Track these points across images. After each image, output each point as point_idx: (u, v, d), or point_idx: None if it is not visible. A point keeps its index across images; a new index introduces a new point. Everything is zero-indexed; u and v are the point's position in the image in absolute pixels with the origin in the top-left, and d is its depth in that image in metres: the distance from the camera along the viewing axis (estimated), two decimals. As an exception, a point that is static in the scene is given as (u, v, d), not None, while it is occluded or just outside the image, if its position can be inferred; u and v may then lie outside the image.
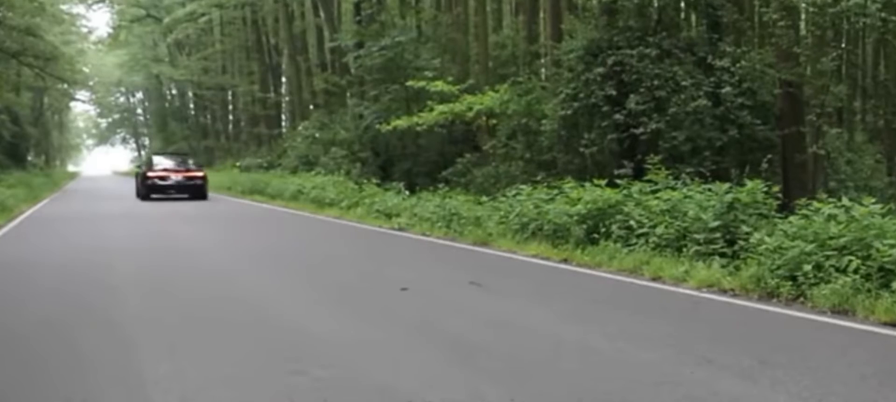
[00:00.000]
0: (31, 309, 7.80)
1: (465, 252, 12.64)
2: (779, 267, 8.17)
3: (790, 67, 14.87)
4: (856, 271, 7.56)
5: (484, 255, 12.24)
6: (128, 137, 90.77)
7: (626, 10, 17.11)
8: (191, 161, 30.87)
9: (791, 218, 9.07)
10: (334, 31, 34.01)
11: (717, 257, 9.32)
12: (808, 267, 7.91)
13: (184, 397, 4.80)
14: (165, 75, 61.57)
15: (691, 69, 15.85)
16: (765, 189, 10.29)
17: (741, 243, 9.36)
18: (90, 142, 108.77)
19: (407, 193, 19.80)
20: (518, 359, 5.67)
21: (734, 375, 5.20)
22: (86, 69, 58.40)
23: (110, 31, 63.37)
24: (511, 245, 12.48)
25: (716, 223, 9.77)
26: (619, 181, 12.64)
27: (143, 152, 75.68)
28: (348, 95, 33.22)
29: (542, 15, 25.23)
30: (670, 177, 12.11)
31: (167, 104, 71.91)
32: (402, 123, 22.18)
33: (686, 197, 10.76)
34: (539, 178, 15.71)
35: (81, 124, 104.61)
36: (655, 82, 15.51)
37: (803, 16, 16.80)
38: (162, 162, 29.70)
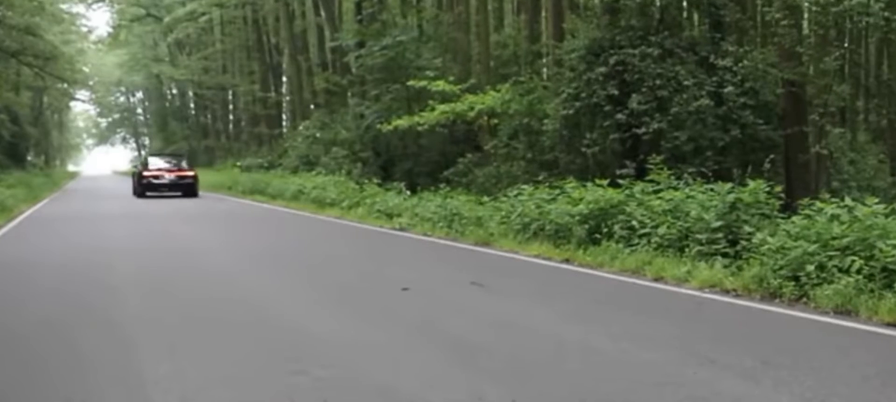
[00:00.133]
0: (31, 309, 7.79)
1: (466, 252, 12.62)
2: (781, 267, 8.15)
3: (793, 67, 14.83)
4: (859, 272, 7.53)
5: (485, 255, 12.22)
6: (128, 136, 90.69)
7: (629, 10, 17.08)
8: (183, 162, 32.59)
9: (794, 218, 9.04)
10: (335, 31, 33.97)
11: (719, 258, 9.29)
12: (810, 267, 7.88)
13: (184, 397, 4.79)
14: (166, 75, 61.53)
15: (693, 69, 15.81)
16: (767, 189, 10.25)
17: (744, 243, 9.33)
18: (90, 142, 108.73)
19: (408, 193, 19.77)
20: (520, 360, 5.65)
21: (737, 375, 5.19)
22: (86, 69, 58.42)
23: (110, 30, 63.41)
24: (513, 245, 12.45)
25: (718, 223, 9.74)
26: (621, 181, 12.61)
27: (143, 152, 75.80)
28: (349, 94, 33.19)
29: (543, 14, 25.21)
30: (672, 177, 12.07)
31: (167, 104, 71.89)
32: (403, 122, 22.15)
33: (688, 197, 10.73)
34: (541, 178, 15.67)
35: (81, 124, 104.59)
36: (657, 82, 15.48)
37: (806, 15, 16.77)
38: (156, 162, 31.68)
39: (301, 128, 35.62)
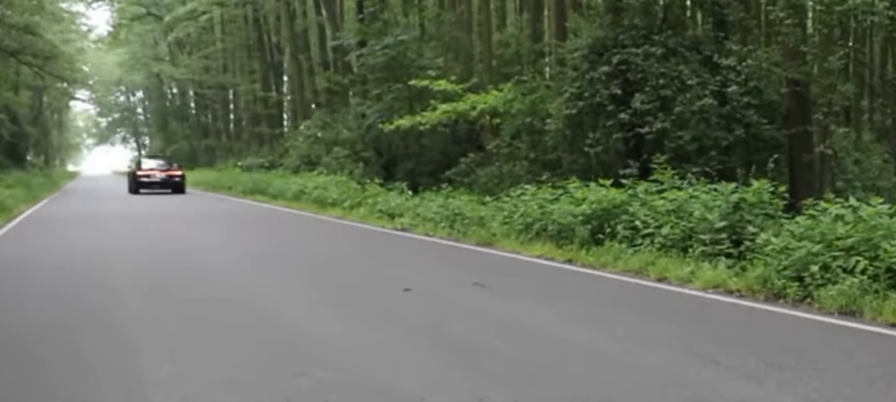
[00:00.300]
0: (30, 311, 7.76)
1: (468, 253, 12.59)
2: (785, 268, 8.13)
3: (797, 66, 14.79)
4: (863, 272, 7.52)
5: (488, 255, 12.19)
6: (128, 136, 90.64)
7: (632, 9, 17.04)
8: (173, 163, 36.98)
9: (798, 218, 9.01)
10: (336, 30, 33.93)
11: (723, 258, 9.27)
12: (815, 268, 7.86)
13: (185, 399, 4.77)
14: (166, 74, 61.55)
15: (697, 68, 15.77)
16: (771, 189, 10.22)
17: (747, 243, 9.30)
18: (90, 141, 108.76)
19: (410, 193, 19.75)
20: (522, 361, 5.63)
21: (741, 376, 5.17)
22: (85, 68, 58.47)
23: (110, 29, 63.40)
24: (515, 246, 12.42)
25: (722, 223, 9.71)
26: (624, 181, 12.59)
27: (143, 152, 76.03)
28: (351, 94, 33.16)
29: (546, 13, 25.14)
30: (676, 177, 12.04)
31: (168, 103, 71.89)
32: (405, 122, 22.10)
33: (692, 197, 10.70)
34: (543, 178, 15.65)
35: (81, 124, 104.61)
36: (661, 81, 15.43)
37: (810, 14, 16.70)
38: (148, 163, 36.24)
39: (302, 127, 35.61)
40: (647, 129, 15.31)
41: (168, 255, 12.45)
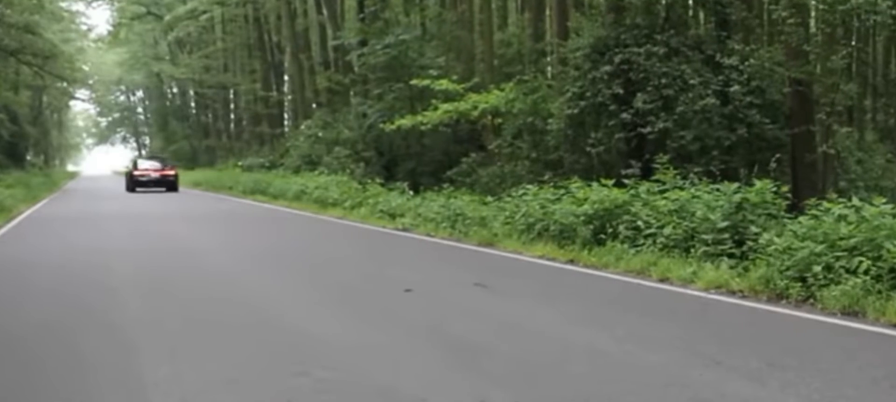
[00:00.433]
0: (30, 311, 7.74)
1: (470, 253, 12.57)
2: (788, 268, 8.10)
3: (800, 65, 14.76)
4: (866, 273, 7.48)
5: (489, 256, 12.16)
6: (128, 136, 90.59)
7: (634, 8, 17.04)
8: (167, 163, 39.30)
9: (801, 218, 8.99)
10: (337, 29, 33.92)
11: (725, 258, 9.23)
12: (817, 268, 7.83)
13: (184, 399, 4.76)
14: (166, 74, 61.56)
15: (699, 67, 15.76)
16: (774, 189, 10.18)
17: (750, 243, 9.27)
18: (90, 141, 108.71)
19: (411, 193, 19.72)
20: (524, 362, 5.61)
21: (743, 377, 5.15)
22: (85, 67, 58.53)
23: (110, 28, 63.35)
24: (517, 246, 12.39)
25: (724, 224, 9.68)
26: (626, 181, 12.54)
27: (143, 151, 76.21)
28: (352, 93, 33.13)
29: (548, 12, 25.09)
30: (678, 177, 12.00)
31: (168, 103, 71.89)
32: (406, 122, 22.09)
33: (694, 197, 10.66)
34: (545, 178, 15.62)
35: (81, 123, 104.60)
36: (663, 81, 15.42)
37: (813, 13, 16.68)
38: (144, 163, 38.80)
39: (303, 127, 35.59)
40: (649, 128, 15.29)
41: (168, 255, 12.43)
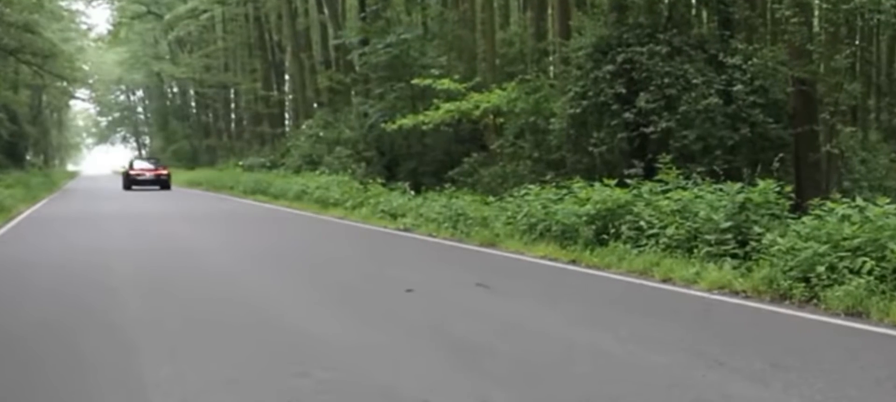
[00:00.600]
0: (30, 311, 7.74)
1: (471, 253, 12.54)
2: (791, 269, 8.07)
3: (803, 65, 14.72)
4: (870, 273, 7.46)
5: (491, 256, 12.13)
6: (128, 135, 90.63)
7: (636, 7, 17.00)
8: (159, 164, 42.76)
9: (804, 218, 8.95)
10: (338, 28, 33.86)
11: (728, 259, 9.20)
12: (821, 269, 7.81)
13: (185, 400, 4.75)
14: (166, 73, 61.54)
15: (702, 67, 15.72)
16: (777, 189, 10.15)
17: (753, 243, 9.24)
18: (90, 141, 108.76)
19: (412, 193, 19.68)
20: (526, 362, 5.58)
21: (746, 378, 5.14)
22: (85, 67, 58.61)
23: (110, 27, 63.38)
24: (519, 246, 12.36)
25: (727, 224, 9.65)
26: (628, 181, 12.50)
27: (143, 151, 76.33)
28: (353, 93, 33.06)
29: (550, 11, 25.04)
30: (681, 176, 11.96)
31: (168, 103, 71.88)
32: (407, 121, 22.05)
33: (697, 197, 10.63)
34: (547, 177, 15.58)
35: (81, 123, 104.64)
36: (666, 80, 15.39)
37: (816, 12, 16.66)
38: (140, 164, 42.47)
39: (304, 127, 35.57)
40: (651, 128, 15.26)
41: (168, 255, 12.42)
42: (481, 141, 22.95)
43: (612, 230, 11.23)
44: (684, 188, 11.25)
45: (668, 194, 11.19)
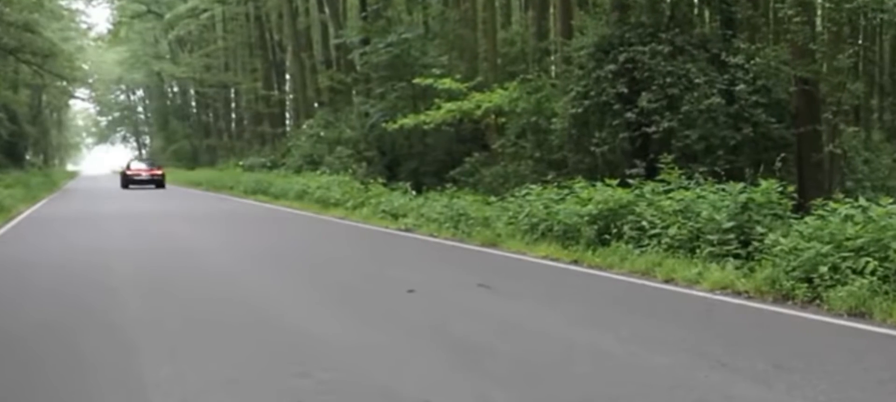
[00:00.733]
0: (30, 311, 7.72)
1: (473, 253, 12.52)
2: (794, 269, 8.04)
3: (806, 64, 14.67)
4: (873, 273, 7.43)
5: (492, 256, 12.11)
6: (128, 135, 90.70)
7: (639, 6, 16.96)
8: (155, 164, 45.98)
9: (807, 219, 8.92)
10: (339, 28, 33.85)
11: (731, 259, 9.17)
12: (824, 269, 7.78)
13: (185, 399, 4.74)
14: (166, 73, 61.57)
15: (705, 66, 15.68)
16: (780, 189, 10.12)
17: (756, 244, 9.20)
18: (90, 140, 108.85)
19: (414, 193, 19.65)
20: (527, 363, 5.56)
21: (748, 379, 5.12)
22: (85, 66, 58.67)
23: (110, 27, 63.44)
24: (520, 246, 12.33)
25: (730, 224, 9.62)
26: (630, 181, 12.47)
27: (142, 152, 76.42)
28: (354, 92, 33.04)
29: (552, 11, 25.06)
30: (683, 176, 11.92)
31: (168, 102, 71.90)
32: (408, 121, 22.02)
33: (699, 197, 10.60)
34: (549, 177, 15.55)
35: (81, 123, 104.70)
36: (668, 80, 15.35)
37: (819, 12, 16.61)
38: (136, 164, 45.43)
39: (305, 127, 35.58)
40: (653, 128, 15.22)
41: (168, 255, 12.40)
42: (483, 141, 22.93)
43: (614, 230, 11.20)
44: (686, 188, 11.21)
45: (671, 194, 11.16)
